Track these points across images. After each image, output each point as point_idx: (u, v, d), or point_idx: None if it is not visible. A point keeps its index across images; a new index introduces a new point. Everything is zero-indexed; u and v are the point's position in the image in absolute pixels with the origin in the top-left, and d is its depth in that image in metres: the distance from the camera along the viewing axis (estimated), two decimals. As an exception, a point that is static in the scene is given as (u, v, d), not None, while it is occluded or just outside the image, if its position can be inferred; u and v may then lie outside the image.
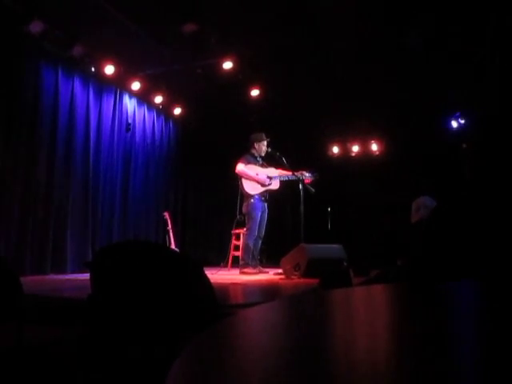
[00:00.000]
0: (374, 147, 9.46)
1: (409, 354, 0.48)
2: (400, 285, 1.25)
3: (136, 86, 6.85)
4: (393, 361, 0.46)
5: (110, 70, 6.24)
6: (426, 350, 0.47)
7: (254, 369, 0.42)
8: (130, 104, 7.24)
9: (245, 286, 4.32)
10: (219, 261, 7.06)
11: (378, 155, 9.41)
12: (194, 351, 0.47)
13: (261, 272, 5.75)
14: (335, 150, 9.75)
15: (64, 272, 5.56)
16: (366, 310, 0.80)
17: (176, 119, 8.25)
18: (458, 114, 8.07)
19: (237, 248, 6.46)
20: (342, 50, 6.04)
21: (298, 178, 5.87)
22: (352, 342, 0.54)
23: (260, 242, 6.01)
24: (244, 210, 5.92)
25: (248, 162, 5.91)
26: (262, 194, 5.88)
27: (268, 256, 7.96)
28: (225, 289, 3.90)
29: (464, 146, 7.83)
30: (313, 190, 5.89)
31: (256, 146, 6.04)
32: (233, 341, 0.55)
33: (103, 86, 6.63)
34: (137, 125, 7.35)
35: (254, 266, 5.79)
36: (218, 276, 5.21)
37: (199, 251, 8.39)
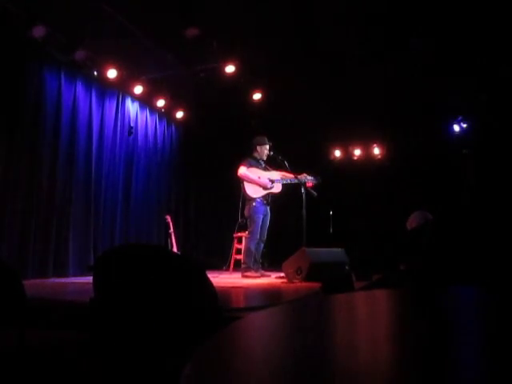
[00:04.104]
0: (376, 151, 9.46)
1: (411, 363, 0.48)
2: (402, 290, 1.25)
3: (138, 89, 6.85)
4: (394, 369, 0.46)
5: (112, 73, 6.25)
6: (428, 359, 0.47)
7: (261, 374, 0.43)
8: (132, 108, 7.25)
9: (247, 290, 4.32)
10: (221, 264, 7.06)
11: (379, 159, 9.41)
12: (203, 357, 0.47)
13: (263, 276, 5.73)
14: (337, 153, 9.75)
15: (66, 276, 5.56)
16: (368, 316, 0.80)
17: (178, 123, 8.26)
18: (459, 118, 8.07)
19: (239, 251, 6.46)
20: (344, 53, 6.05)
21: (300, 182, 5.86)
22: (354, 351, 0.54)
23: (262, 245, 5.99)
24: (246, 213, 5.92)
25: (250, 166, 5.91)
26: (264, 198, 5.88)
27: (270, 259, 7.95)
28: (227, 292, 3.90)
29: (464, 151, 7.82)
30: (315, 194, 5.88)
31: (258, 149, 6.04)
32: (241, 347, 0.56)
33: (105, 89, 6.64)
34: (139, 128, 7.36)
35: (256, 270, 5.78)
36: (219, 279, 5.20)
37: (201, 254, 8.39)
